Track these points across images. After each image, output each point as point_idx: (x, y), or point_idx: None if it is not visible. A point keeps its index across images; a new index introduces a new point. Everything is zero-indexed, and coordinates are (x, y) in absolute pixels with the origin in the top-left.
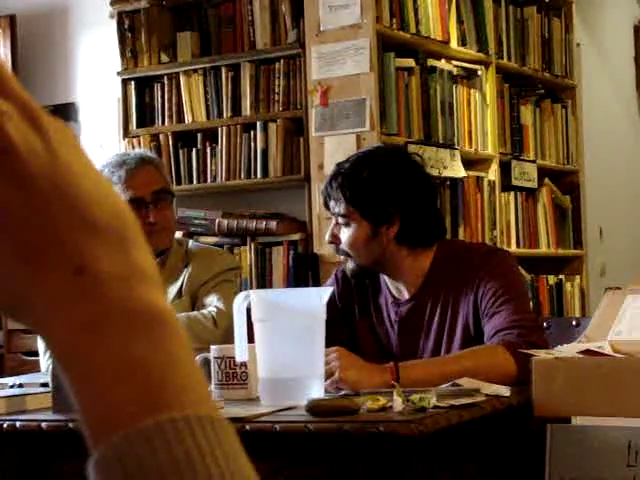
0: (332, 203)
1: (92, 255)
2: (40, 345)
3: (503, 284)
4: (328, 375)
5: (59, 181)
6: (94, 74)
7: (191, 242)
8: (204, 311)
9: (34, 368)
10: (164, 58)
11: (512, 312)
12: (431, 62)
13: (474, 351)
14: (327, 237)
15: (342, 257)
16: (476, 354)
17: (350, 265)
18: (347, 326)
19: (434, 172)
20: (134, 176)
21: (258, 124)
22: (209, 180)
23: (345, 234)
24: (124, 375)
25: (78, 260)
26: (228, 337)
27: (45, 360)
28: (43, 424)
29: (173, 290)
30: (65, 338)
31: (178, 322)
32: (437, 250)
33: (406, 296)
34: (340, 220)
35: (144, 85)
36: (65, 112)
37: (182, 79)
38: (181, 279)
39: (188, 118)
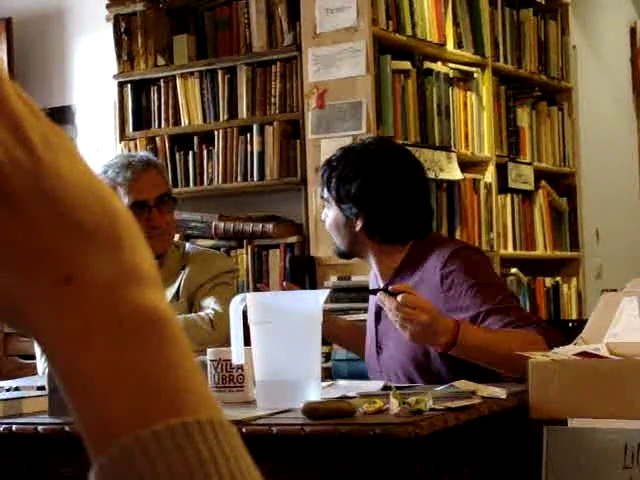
0: None
1: (80, 261)
2: (36, 348)
3: (467, 277)
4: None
5: (43, 189)
6: (90, 77)
7: (188, 245)
8: (201, 313)
9: (31, 371)
10: (160, 61)
11: (480, 303)
12: (427, 64)
13: (522, 335)
14: (322, 215)
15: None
16: (523, 340)
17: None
18: None
19: (430, 174)
20: (140, 179)
21: (254, 127)
22: (205, 183)
23: (327, 217)
24: (117, 384)
25: (66, 269)
26: (225, 340)
27: (41, 363)
28: (39, 427)
29: (170, 292)
30: (58, 349)
31: (175, 321)
32: (411, 248)
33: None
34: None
35: (140, 88)
36: (61, 115)
37: (178, 82)
38: (178, 281)
39: (184, 121)
